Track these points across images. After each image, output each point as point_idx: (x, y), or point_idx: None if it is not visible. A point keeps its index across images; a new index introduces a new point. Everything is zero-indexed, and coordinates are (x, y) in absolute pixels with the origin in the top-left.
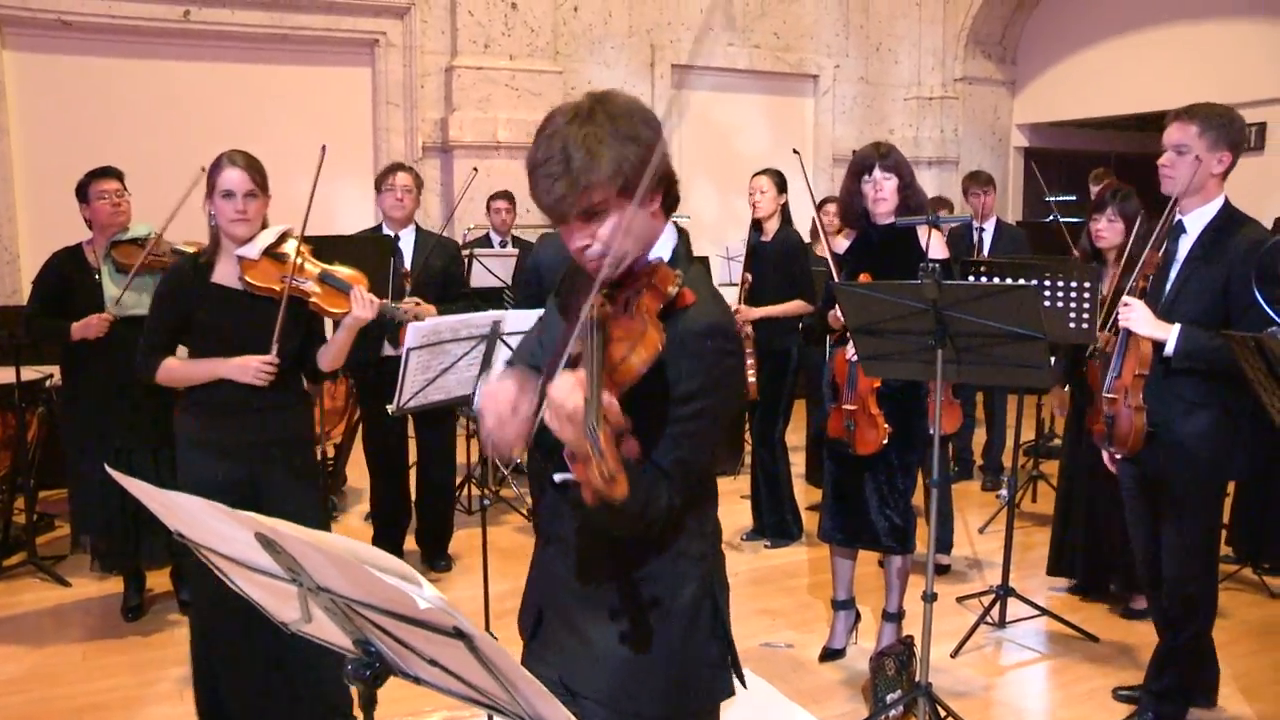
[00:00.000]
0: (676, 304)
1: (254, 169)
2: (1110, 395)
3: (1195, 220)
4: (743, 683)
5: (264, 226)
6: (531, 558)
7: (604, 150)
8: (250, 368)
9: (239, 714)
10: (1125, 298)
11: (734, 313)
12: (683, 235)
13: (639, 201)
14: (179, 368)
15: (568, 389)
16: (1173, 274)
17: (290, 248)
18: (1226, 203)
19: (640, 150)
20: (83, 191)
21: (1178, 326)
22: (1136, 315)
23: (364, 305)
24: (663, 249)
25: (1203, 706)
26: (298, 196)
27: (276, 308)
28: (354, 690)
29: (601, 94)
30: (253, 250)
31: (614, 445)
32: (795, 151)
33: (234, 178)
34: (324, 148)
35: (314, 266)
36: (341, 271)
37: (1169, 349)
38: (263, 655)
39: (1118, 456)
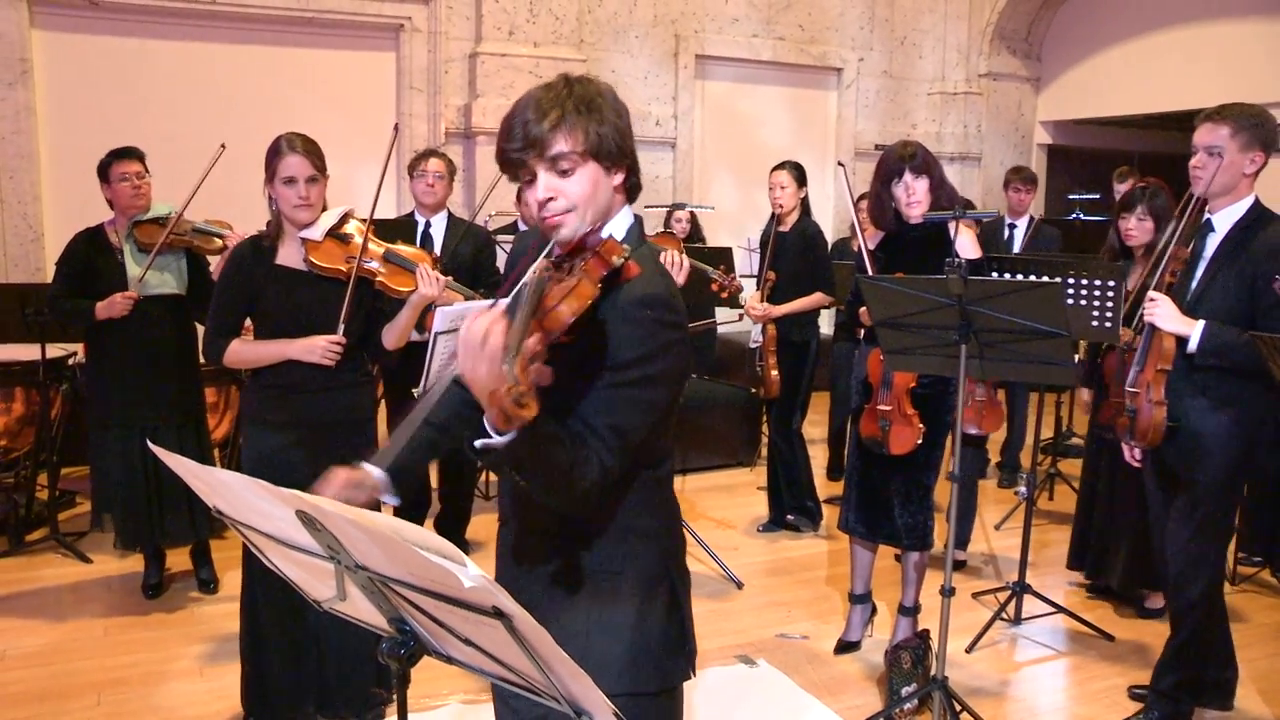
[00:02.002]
0: (621, 275)
1: (313, 153)
2: (1133, 389)
3: (1224, 219)
4: (693, 672)
5: (324, 208)
6: (496, 542)
7: (573, 109)
8: (318, 348)
9: (282, 687)
10: (1151, 293)
11: (754, 310)
12: (638, 221)
13: (605, 168)
14: (246, 349)
15: (486, 323)
16: (1199, 271)
17: (353, 228)
18: (1257, 202)
19: (609, 118)
20: (104, 172)
21: (1201, 323)
22: (1162, 311)
23: (430, 283)
24: (617, 228)
25: (1218, 708)
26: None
27: (342, 288)
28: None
29: (576, 75)
30: (316, 232)
31: (526, 371)
32: (840, 164)
33: (295, 164)
34: (396, 127)
35: (377, 246)
36: (405, 250)
37: (1191, 345)
38: (311, 631)
39: (1137, 451)
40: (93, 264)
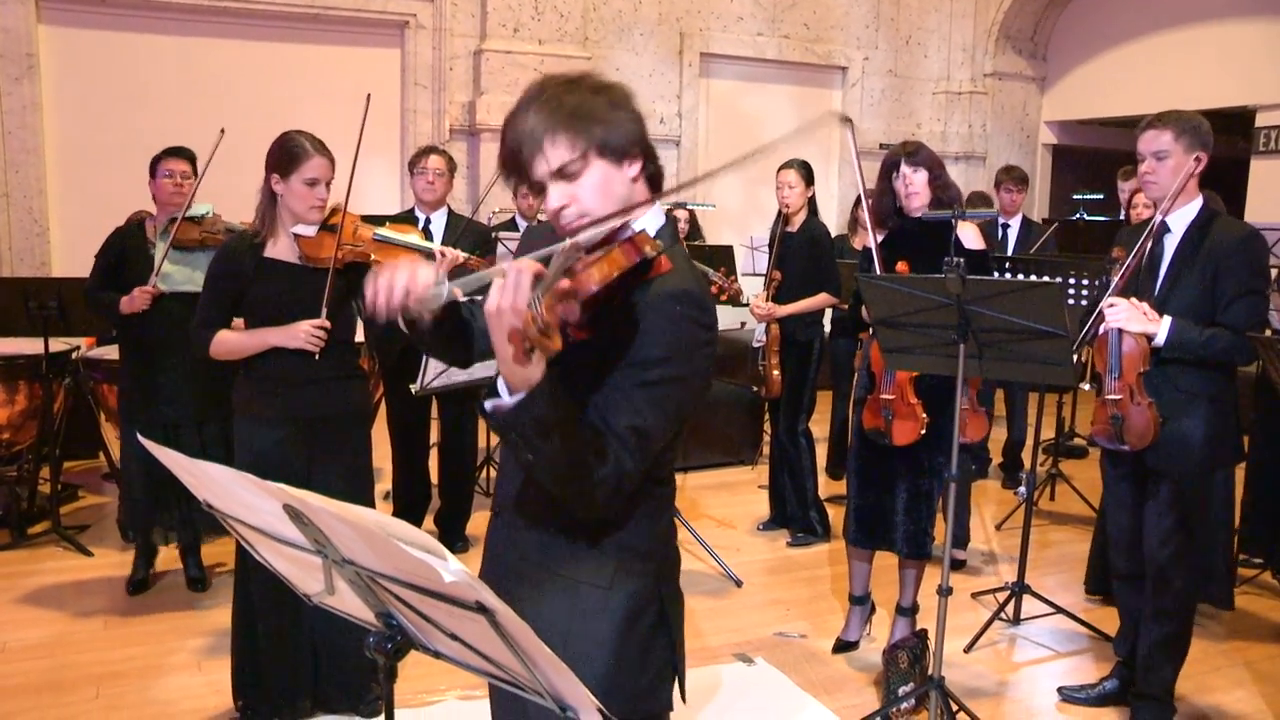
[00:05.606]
0: (654, 268)
1: (329, 155)
2: (1114, 396)
3: (1179, 219)
4: (683, 698)
5: None
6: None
7: (566, 117)
8: (300, 333)
9: (274, 682)
10: (1108, 298)
11: (758, 309)
12: (670, 222)
13: (614, 162)
14: (230, 338)
15: (520, 265)
16: (1161, 273)
17: (341, 219)
18: (1206, 202)
19: (611, 115)
20: (153, 166)
21: (1168, 318)
22: (1123, 313)
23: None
24: (648, 225)
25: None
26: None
27: (336, 278)
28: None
29: (569, 79)
30: (309, 228)
31: (553, 310)
32: (847, 119)
33: (320, 166)
34: (369, 96)
35: (367, 230)
36: (394, 227)
37: (1159, 339)
38: (306, 625)
39: (1125, 449)
40: (126, 255)
